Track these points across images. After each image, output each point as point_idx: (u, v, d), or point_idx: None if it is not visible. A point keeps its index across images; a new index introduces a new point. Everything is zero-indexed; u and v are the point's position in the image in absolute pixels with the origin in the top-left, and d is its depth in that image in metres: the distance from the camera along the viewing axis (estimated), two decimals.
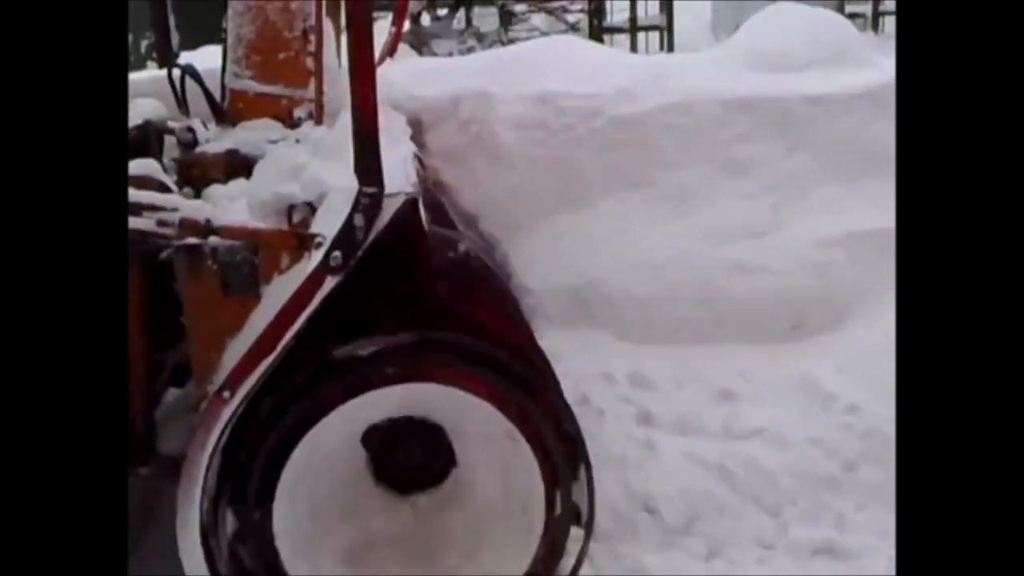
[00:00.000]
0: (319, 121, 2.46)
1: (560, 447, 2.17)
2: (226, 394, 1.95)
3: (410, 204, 1.97)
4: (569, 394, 2.99)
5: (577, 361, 3.23)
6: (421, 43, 8.16)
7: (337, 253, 1.92)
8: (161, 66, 2.84)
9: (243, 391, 1.95)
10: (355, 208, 1.91)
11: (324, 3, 2.55)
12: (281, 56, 2.45)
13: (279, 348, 1.94)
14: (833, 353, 3.10)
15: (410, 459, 2.26)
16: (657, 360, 3.22)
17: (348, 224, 1.91)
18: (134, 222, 2.02)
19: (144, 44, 9.92)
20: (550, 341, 3.34)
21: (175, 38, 3.19)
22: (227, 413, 1.95)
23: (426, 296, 2.07)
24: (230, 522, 2.08)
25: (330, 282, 1.93)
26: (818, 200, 3.69)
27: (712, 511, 2.60)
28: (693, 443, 2.82)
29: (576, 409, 2.94)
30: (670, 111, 3.80)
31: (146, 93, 2.90)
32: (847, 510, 2.54)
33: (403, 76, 3.85)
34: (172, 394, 2.71)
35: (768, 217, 3.67)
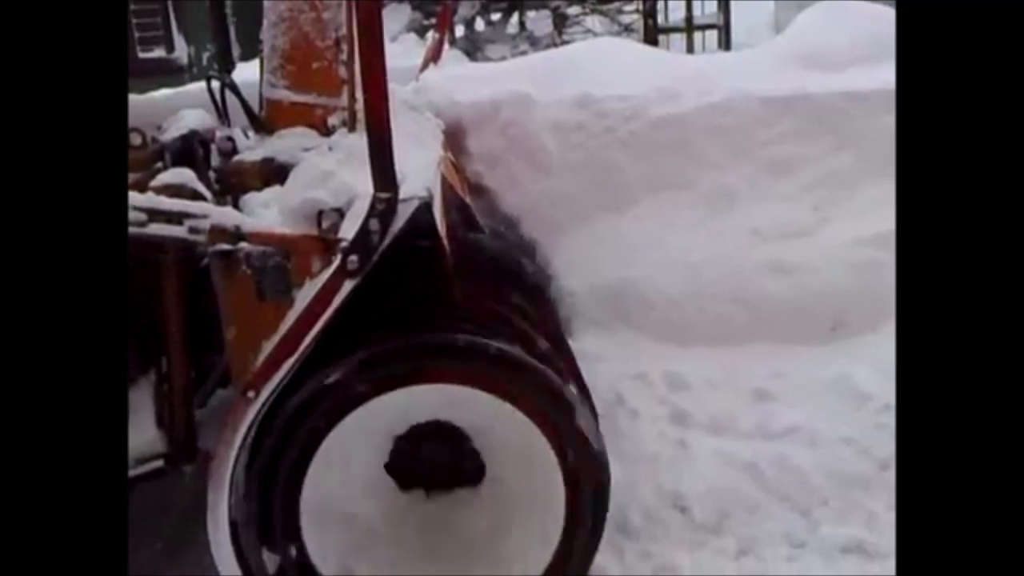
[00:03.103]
0: (352, 128, 2.52)
1: (582, 451, 2.19)
2: (251, 394, 2.02)
3: (423, 208, 2.01)
4: (604, 395, 3.04)
5: (613, 362, 3.26)
6: (475, 48, 8.24)
7: (354, 257, 1.98)
8: (220, 76, 2.93)
9: (267, 391, 2.02)
10: (370, 213, 1.96)
11: (355, 12, 2.62)
12: (314, 65, 2.52)
13: (301, 349, 2.01)
14: (871, 353, 3.06)
15: (433, 460, 2.30)
16: (693, 361, 3.23)
17: (364, 228, 1.97)
18: (171, 230, 2.11)
19: (206, 56, 10.20)
20: (588, 343, 3.39)
21: (236, 49, 3.31)
22: (252, 412, 2.02)
23: (443, 297, 2.12)
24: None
25: (348, 285, 1.99)
26: (861, 199, 3.64)
27: (743, 510, 2.59)
28: (726, 443, 2.82)
29: (610, 409, 3.00)
30: (710, 111, 3.79)
31: (196, 104, 3.02)
32: (879, 509, 2.51)
33: (445, 82, 3.92)
34: (220, 396, 2.81)
35: (809, 217, 3.65)
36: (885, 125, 3.62)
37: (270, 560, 2.12)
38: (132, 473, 2.37)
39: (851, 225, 3.58)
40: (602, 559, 2.35)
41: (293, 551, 2.12)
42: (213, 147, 2.78)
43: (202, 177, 2.44)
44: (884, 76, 3.68)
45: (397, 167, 2.00)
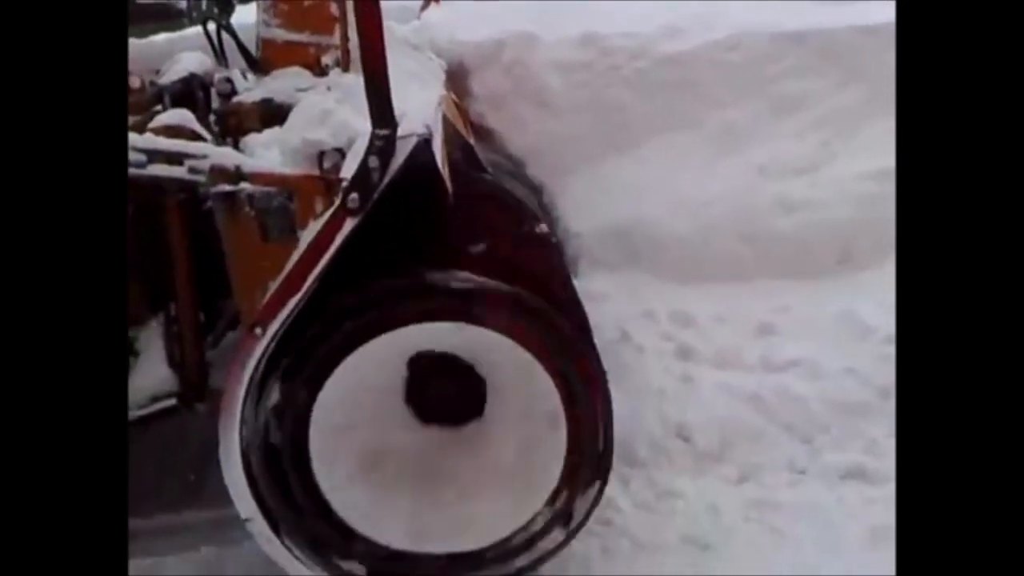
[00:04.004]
0: (346, 68, 2.52)
1: (583, 386, 2.22)
2: (258, 331, 2.05)
3: (423, 144, 2.02)
4: (609, 333, 3.07)
5: (620, 301, 3.29)
6: None
7: (354, 195, 1.99)
8: (219, 18, 2.92)
9: (273, 328, 2.05)
10: (369, 150, 1.97)
11: None
12: (306, 3, 2.51)
13: (304, 287, 2.04)
14: (876, 287, 3.06)
15: (443, 393, 2.34)
16: (699, 298, 3.25)
17: (363, 166, 1.98)
18: (171, 171, 2.13)
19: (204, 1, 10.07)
20: (594, 283, 3.41)
21: None
22: (259, 349, 2.06)
23: (444, 235, 2.14)
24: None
25: (349, 223, 2.01)
26: (869, 134, 3.61)
27: (745, 438, 2.64)
28: (730, 376, 2.86)
29: (616, 346, 3.03)
30: (717, 48, 3.76)
31: (195, 47, 3.02)
32: (879, 436, 2.55)
33: (447, 20, 3.89)
34: (230, 338, 2.86)
35: (817, 152, 3.63)
36: (894, 59, 3.57)
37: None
38: (145, 411, 2.43)
39: (858, 160, 3.56)
40: (609, 488, 2.39)
41: (301, 478, 2.17)
42: (212, 90, 2.79)
43: (202, 119, 2.44)
44: (893, 9, 3.62)
45: (396, 105, 2.00)
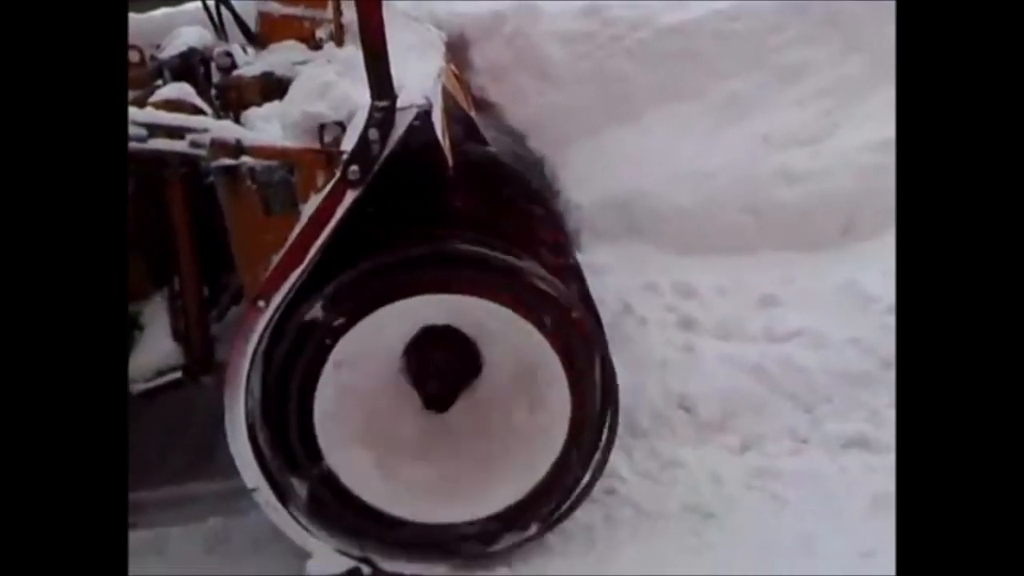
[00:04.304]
0: (339, 43, 2.52)
1: (585, 355, 2.23)
2: (261, 303, 2.07)
3: (423, 116, 2.02)
4: (612, 305, 3.08)
5: (622, 273, 3.29)
6: None
7: (355, 167, 2.00)
8: None
9: (276, 300, 2.07)
10: (368, 122, 1.98)
11: None
12: None
13: (307, 260, 2.05)
14: (880, 257, 3.05)
15: (442, 367, 2.35)
16: (702, 269, 3.25)
17: (363, 138, 1.98)
18: (172, 145, 2.14)
19: None
20: (596, 255, 3.41)
21: None
22: (263, 321, 2.08)
23: (444, 206, 2.14)
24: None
25: (350, 196, 2.02)
26: (873, 104, 3.59)
27: (748, 408, 2.65)
28: (733, 347, 2.86)
29: (618, 318, 3.04)
30: (719, 18, 3.73)
31: (195, 22, 3.01)
32: (881, 405, 2.56)
33: None
34: (235, 312, 2.87)
35: (820, 123, 3.61)
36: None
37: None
38: (151, 384, 2.45)
39: (862, 130, 3.54)
40: (612, 458, 2.41)
41: (306, 448, 2.19)
42: (212, 64, 2.79)
43: (203, 94, 2.45)
44: None
45: (395, 77, 2.00)
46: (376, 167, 1.99)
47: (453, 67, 3.20)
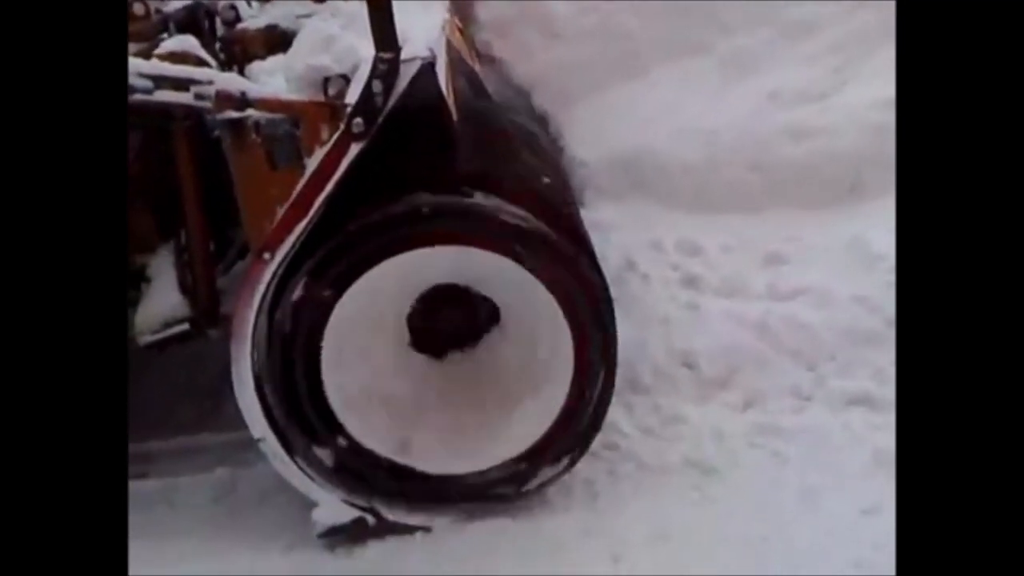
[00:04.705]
0: None
1: (590, 312, 2.23)
2: (266, 256, 2.08)
3: (427, 68, 2.01)
4: (615, 262, 3.07)
5: (627, 230, 3.28)
6: None
7: (359, 120, 1.99)
8: None
9: (281, 253, 2.07)
10: (372, 74, 1.97)
11: None
12: None
13: (311, 212, 2.05)
14: (887, 215, 3.03)
15: (446, 322, 2.36)
16: (707, 227, 3.24)
17: (367, 90, 1.98)
18: (177, 96, 2.13)
19: None
20: (601, 212, 3.40)
21: None
22: (268, 273, 2.09)
23: (448, 159, 2.14)
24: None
25: (355, 148, 2.02)
26: (882, 60, 3.54)
27: (751, 366, 2.66)
28: (736, 304, 2.86)
29: (622, 275, 3.03)
30: None
31: None
32: (886, 363, 2.56)
33: None
34: (241, 265, 2.88)
35: (829, 79, 3.58)
36: None
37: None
38: (158, 336, 2.47)
39: (871, 87, 3.50)
40: (613, 413, 2.43)
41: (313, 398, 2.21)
42: (217, 17, 2.77)
43: (208, 47, 2.44)
44: None
45: (399, 29, 1.99)
46: (380, 119, 1.98)
47: (457, 21, 3.17)
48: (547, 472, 2.33)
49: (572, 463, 2.34)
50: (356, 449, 2.26)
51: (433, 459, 2.29)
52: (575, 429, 2.30)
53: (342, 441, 2.26)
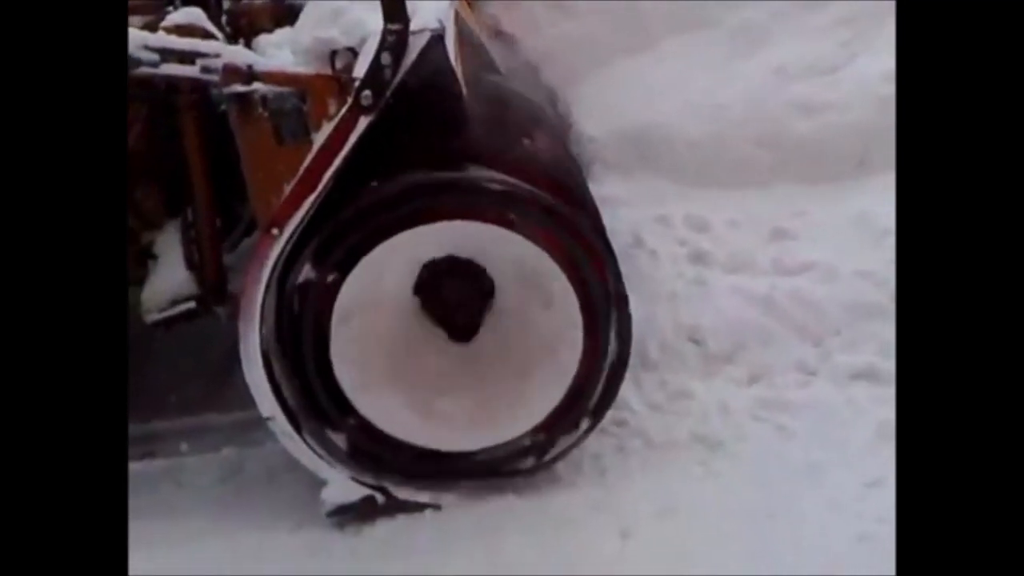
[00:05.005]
0: None
1: (600, 286, 2.23)
2: (275, 231, 2.08)
3: (435, 39, 2.00)
4: (623, 237, 3.06)
5: (634, 206, 3.27)
6: None
7: (367, 92, 1.99)
8: None
9: (290, 227, 2.07)
10: (381, 46, 1.96)
11: None
12: None
13: (320, 187, 2.05)
14: (893, 190, 3.03)
15: (454, 297, 2.35)
16: (714, 202, 3.23)
17: (375, 63, 1.97)
18: (184, 70, 2.12)
19: None
20: (609, 187, 3.38)
21: None
22: (277, 248, 2.09)
23: (457, 133, 2.13)
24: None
25: (363, 121, 2.01)
26: (892, 33, 3.52)
27: (756, 341, 2.67)
28: (743, 279, 2.86)
29: (629, 251, 3.03)
30: None
31: None
32: (891, 338, 2.54)
33: None
34: (248, 243, 2.88)
35: (838, 52, 3.55)
36: None
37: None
38: (165, 314, 2.48)
39: (880, 60, 3.48)
40: (622, 389, 2.43)
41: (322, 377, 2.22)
42: None
43: (213, 19, 2.42)
44: None
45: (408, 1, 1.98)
46: (389, 92, 1.97)
47: None
48: (565, 441, 2.34)
49: (591, 428, 2.34)
50: (368, 429, 2.27)
51: (449, 436, 2.29)
52: (590, 395, 2.30)
53: (353, 421, 2.26)
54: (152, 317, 2.53)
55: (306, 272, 2.16)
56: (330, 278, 2.17)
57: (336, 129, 2.03)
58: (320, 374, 2.23)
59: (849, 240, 2.93)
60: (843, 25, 3.60)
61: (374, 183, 2.12)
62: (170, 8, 2.61)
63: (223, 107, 2.43)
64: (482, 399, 2.31)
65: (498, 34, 3.64)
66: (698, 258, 2.99)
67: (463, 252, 2.30)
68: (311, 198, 2.06)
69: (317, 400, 2.26)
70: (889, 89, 3.37)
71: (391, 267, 2.21)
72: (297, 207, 2.07)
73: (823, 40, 3.59)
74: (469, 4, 3.21)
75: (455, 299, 2.31)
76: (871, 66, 3.46)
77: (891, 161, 3.23)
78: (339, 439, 2.29)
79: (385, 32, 1.95)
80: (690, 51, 3.64)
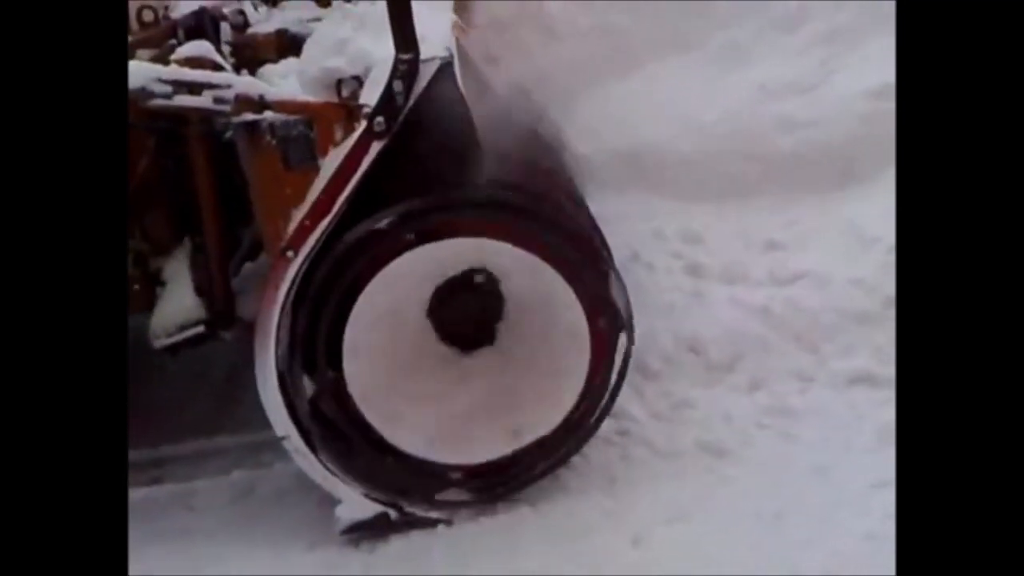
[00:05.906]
0: None
1: (607, 303, 2.30)
2: (289, 254, 2.13)
3: (445, 67, 2.08)
4: (620, 252, 3.11)
5: (628, 221, 3.33)
6: None
7: (380, 119, 2.05)
8: None
9: (305, 251, 2.12)
10: (393, 74, 2.03)
11: None
12: None
13: (334, 210, 2.10)
14: (880, 200, 3.12)
15: (465, 313, 2.40)
16: (707, 216, 3.30)
17: (388, 90, 2.04)
18: (196, 101, 2.18)
19: None
20: (602, 205, 3.44)
21: None
22: (292, 272, 2.14)
23: (469, 155, 2.19)
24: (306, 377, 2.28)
25: (376, 147, 2.07)
26: (870, 51, 3.63)
27: (755, 350, 2.73)
28: (739, 290, 2.93)
29: (626, 265, 3.09)
30: None
31: None
32: (884, 342, 2.63)
33: None
34: (248, 268, 2.92)
35: (818, 71, 3.65)
36: None
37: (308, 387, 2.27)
38: (174, 339, 2.51)
39: (859, 78, 3.58)
40: (623, 399, 2.50)
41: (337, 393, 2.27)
42: (222, 24, 2.81)
43: (217, 51, 2.48)
44: None
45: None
46: (401, 118, 2.04)
47: (459, 19, 3.23)
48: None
49: (595, 425, 2.40)
50: (381, 445, 2.31)
51: (460, 450, 2.34)
52: (592, 412, 2.36)
53: (367, 437, 2.30)
54: (160, 342, 2.56)
55: (320, 291, 2.20)
56: (343, 297, 2.21)
57: (349, 155, 2.09)
58: (335, 391, 2.27)
59: (839, 249, 3.01)
60: (821, 45, 3.70)
61: (383, 209, 2.17)
62: (173, 41, 2.67)
63: (228, 135, 2.48)
64: (494, 414, 2.35)
65: (489, 59, 3.71)
66: (694, 270, 3.06)
67: (476, 268, 2.35)
68: (325, 221, 2.11)
69: (331, 419, 2.30)
70: (867, 105, 3.48)
71: (404, 284, 2.26)
72: (312, 230, 2.12)
73: (802, 59, 3.70)
74: (463, 31, 3.28)
75: (467, 315, 2.36)
76: (849, 83, 3.57)
77: (873, 173, 3.37)
78: (353, 456, 2.33)
79: (397, 61, 2.02)
80: (677, 72, 3.73)
